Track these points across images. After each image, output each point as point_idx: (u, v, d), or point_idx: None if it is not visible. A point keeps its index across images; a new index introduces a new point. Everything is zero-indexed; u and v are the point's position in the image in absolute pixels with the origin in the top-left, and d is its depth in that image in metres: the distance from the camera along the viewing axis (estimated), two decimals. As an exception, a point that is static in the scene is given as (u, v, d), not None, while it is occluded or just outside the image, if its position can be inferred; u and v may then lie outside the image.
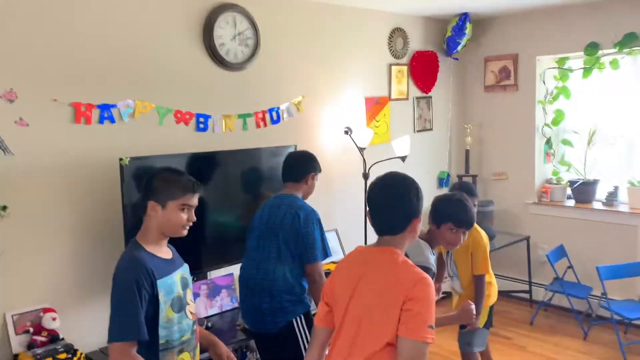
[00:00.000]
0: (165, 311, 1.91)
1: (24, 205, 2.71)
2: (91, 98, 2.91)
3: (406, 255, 2.33)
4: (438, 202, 2.62)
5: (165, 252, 2.04)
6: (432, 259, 2.49)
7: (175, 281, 1.99)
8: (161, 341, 1.91)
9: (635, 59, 4.37)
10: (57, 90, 2.79)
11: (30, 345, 2.66)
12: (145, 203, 1.99)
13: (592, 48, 4.44)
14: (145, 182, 2.05)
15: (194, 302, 2.12)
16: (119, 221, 2.91)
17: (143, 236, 2.01)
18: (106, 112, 2.95)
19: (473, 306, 2.38)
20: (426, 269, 2.36)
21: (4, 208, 2.61)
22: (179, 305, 1.97)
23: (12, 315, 2.69)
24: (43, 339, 2.69)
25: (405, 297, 1.63)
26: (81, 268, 2.92)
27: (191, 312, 2.04)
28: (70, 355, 2.63)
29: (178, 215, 1.98)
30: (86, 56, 2.89)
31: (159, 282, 1.90)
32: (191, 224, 2.05)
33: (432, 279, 2.42)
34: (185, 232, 2.05)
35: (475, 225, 3.24)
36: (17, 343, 2.67)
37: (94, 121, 2.92)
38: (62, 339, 2.74)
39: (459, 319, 2.44)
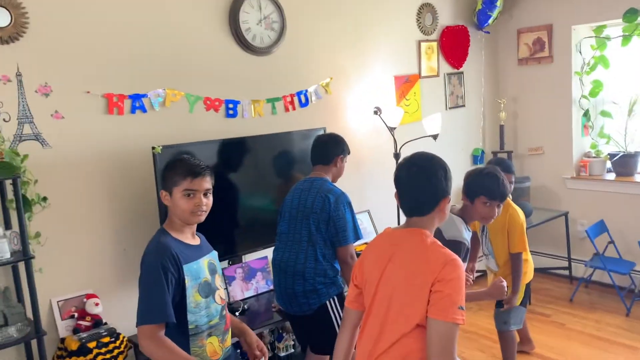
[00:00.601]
0: (192, 296, 1.94)
1: (63, 195, 2.81)
2: (122, 89, 2.96)
3: (438, 231, 2.33)
4: (470, 177, 2.60)
5: (191, 238, 2.07)
6: (465, 234, 2.46)
7: (202, 267, 2.02)
8: (190, 326, 1.95)
9: (678, 23, 4.17)
10: (89, 82, 2.86)
11: (76, 330, 2.77)
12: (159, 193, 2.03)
13: (631, 14, 4.24)
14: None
15: (223, 287, 2.14)
16: (154, 208, 2.98)
17: (169, 223, 2.05)
18: (137, 101, 3.01)
19: (505, 283, 2.37)
20: (459, 244, 2.36)
21: (45, 199, 2.70)
22: (207, 290, 2.00)
23: (57, 301, 2.80)
24: (87, 323, 2.80)
25: (434, 278, 1.62)
26: (120, 254, 3.01)
27: (220, 297, 2.07)
28: (113, 339, 2.73)
29: (183, 201, 1.97)
30: (116, 47, 2.94)
31: (185, 267, 1.93)
32: (204, 208, 2.01)
33: (466, 254, 2.40)
34: (198, 219, 2.01)
35: (511, 202, 3.20)
36: (63, 327, 2.79)
37: (126, 111, 2.98)
38: (105, 323, 2.85)
39: (490, 295, 2.43)
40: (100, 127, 2.91)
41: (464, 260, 2.39)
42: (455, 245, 2.34)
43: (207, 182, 2.02)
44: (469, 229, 2.53)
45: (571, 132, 4.82)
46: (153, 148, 2.88)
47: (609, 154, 4.70)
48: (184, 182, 1.97)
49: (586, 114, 4.82)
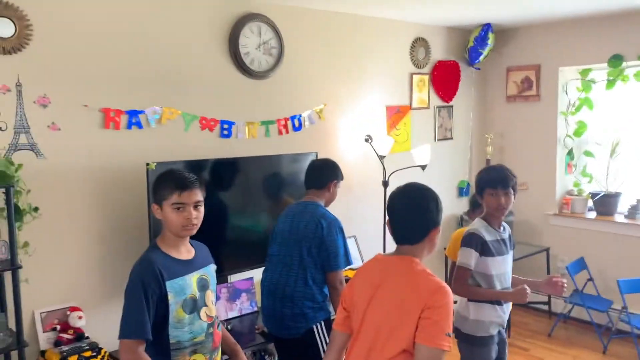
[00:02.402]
0: (175, 311, 1.95)
1: (54, 206, 2.81)
2: (120, 104, 3.00)
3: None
4: (476, 178, 2.78)
5: (184, 252, 2.06)
6: (482, 230, 2.63)
7: (189, 282, 2.01)
8: (172, 341, 1.96)
9: (660, 71, 4.34)
10: (87, 96, 2.89)
11: (57, 343, 2.74)
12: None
13: (616, 60, 4.42)
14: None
15: (214, 304, 2.13)
16: (144, 224, 2.99)
17: (161, 238, 2.06)
18: (134, 117, 3.04)
19: (529, 290, 2.53)
20: (472, 235, 2.60)
21: (36, 209, 2.70)
22: (192, 307, 1.99)
23: (40, 313, 2.78)
24: (69, 336, 2.78)
25: (424, 305, 1.67)
26: (107, 269, 3.00)
27: (207, 315, 2.06)
28: (95, 353, 2.71)
29: (173, 215, 1.98)
30: (116, 63, 2.98)
31: (168, 283, 1.94)
32: (196, 222, 2.02)
33: (482, 245, 2.57)
34: (189, 232, 2.02)
35: None
36: (44, 340, 2.76)
37: (122, 126, 3.01)
38: (88, 337, 2.83)
39: (513, 297, 2.59)
40: (95, 141, 2.93)
41: (482, 252, 2.58)
42: (469, 236, 2.60)
43: (197, 195, 2.02)
44: (494, 229, 2.68)
45: (555, 170, 4.94)
46: (147, 164, 2.90)
47: (590, 193, 4.82)
48: (173, 196, 1.98)
49: (570, 153, 4.95)
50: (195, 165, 3.12)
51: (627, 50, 4.36)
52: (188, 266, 2.05)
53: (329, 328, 2.75)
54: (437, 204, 1.85)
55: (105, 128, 2.96)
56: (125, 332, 1.90)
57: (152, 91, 3.12)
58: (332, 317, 2.79)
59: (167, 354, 1.96)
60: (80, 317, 2.84)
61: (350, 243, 4.08)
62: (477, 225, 2.67)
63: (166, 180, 2.02)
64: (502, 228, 2.74)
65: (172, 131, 3.21)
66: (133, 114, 3.04)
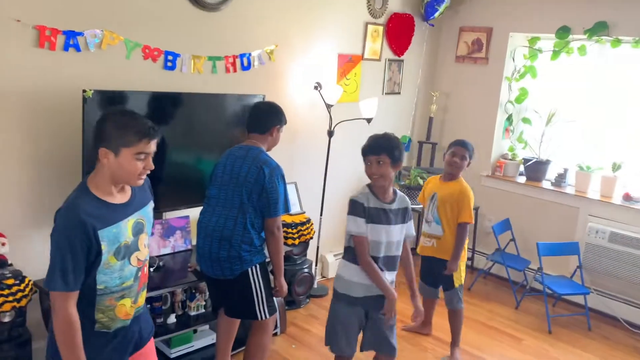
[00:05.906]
0: (107, 259, 1.83)
1: (-22, 127, 2.63)
2: (57, 23, 2.79)
3: None
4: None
5: (119, 196, 1.90)
6: (361, 196, 2.60)
7: (123, 229, 1.88)
8: (99, 287, 1.85)
9: (603, 47, 4.48)
10: (21, 10, 2.66)
11: (-23, 269, 2.63)
12: (96, 149, 1.82)
13: (563, 32, 4.52)
14: (97, 124, 1.85)
15: (147, 247, 2.01)
16: (77, 153, 2.86)
17: (93, 180, 1.87)
18: (72, 39, 2.85)
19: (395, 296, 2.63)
20: (350, 201, 2.62)
21: (-43, 128, 2.52)
22: (124, 253, 1.88)
23: (-41, 237, 2.65)
24: (-10, 263, 2.66)
25: None
26: (35, 196, 2.88)
27: (137, 259, 1.94)
28: (17, 282, 2.62)
29: (132, 163, 1.82)
30: (54, -23, 2.75)
31: (101, 232, 1.80)
32: (149, 172, 1.90)
33: (360, 208, 2.56)
34: (141, 182, 1.90)
35: (463, 180, 3.50)
36: (-37, 265, 2.64)
37: (58, 47, 2.81)
38: (11, 264, 2.73)
39: (388, 292, 2.60)
40: (27, 61, 2.73)
41: (356, 213, 2.56)
42: (351, 203, 2.60)
43: (155, 144, 1.89)
44: (377, 199, 2.59)
45: (493, 133, 5.09)
46: (84, 91, 2.75)
47: (523, 159, 5.03)
48: (139, 144, 1.81)
49: (509, 119, 5.10)
50: (136, 97, 2.98)
51: (575, 23, 4.46)
52: (123, 211, 1.90)
53: (263, 271, 2.80)
54: None
55: (39, 47, 2.75)
56: (53, 284, 1.77)
57: (93, 12, 2.92)
58: (267, 260, 2.83)
59: (93, 299, 1.86)
60: (3, 244, 2.72)
61: (291, 189, 4.10)
62: (360, 191, 2.62)
63: (131, 126, 1.82)
64: (390, 200, 2.63)
65: (113, 57, 3.04)
66: (71, 34, 2.84)
